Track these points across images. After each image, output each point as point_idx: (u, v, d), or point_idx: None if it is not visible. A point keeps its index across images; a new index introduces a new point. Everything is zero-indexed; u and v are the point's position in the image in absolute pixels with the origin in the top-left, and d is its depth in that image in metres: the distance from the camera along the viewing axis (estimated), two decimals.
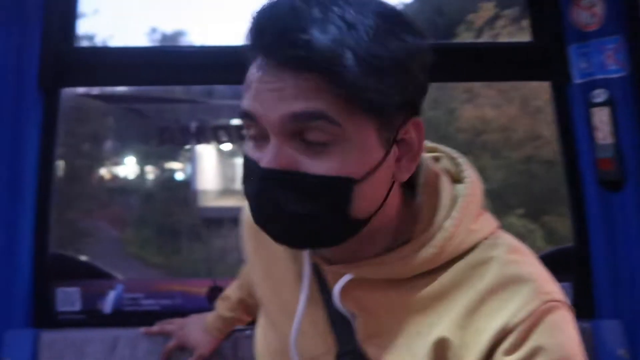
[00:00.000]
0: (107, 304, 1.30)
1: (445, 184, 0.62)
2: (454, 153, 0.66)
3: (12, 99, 1.17)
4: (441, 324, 0.58)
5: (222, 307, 1.13)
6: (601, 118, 1.09)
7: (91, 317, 1.29)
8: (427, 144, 0.68)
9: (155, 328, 1.22)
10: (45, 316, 1.26)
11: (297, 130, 0.52)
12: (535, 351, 0.53)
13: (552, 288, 0.57)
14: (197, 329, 1.17)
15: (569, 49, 1.18)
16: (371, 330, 0.62)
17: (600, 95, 1.11)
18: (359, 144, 0.52)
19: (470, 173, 0.63)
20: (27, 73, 1.16)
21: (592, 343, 1.19)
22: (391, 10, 0.53)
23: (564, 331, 0.55)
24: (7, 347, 1.21)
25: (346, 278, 0.60)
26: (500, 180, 5.76)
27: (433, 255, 0.58)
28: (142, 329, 1.22)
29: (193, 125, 1.19)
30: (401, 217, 0.61)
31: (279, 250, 0.69)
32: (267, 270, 0.73)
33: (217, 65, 1.07)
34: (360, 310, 0.62)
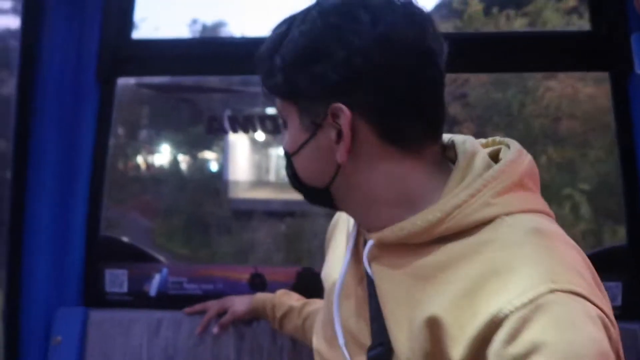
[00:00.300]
0: (152, 287, 1.35)
1: (478, 162, 0.61)
2: (511, 141, 0.66)
3: (71, 89, 1.24)
4: (439, 298, 0.55)
5: (279, 294, 1.16)
6: None
7: (137, 299, 1.34)
8: (498, 139, 0.67)
9: (198, 306, 1.26)
10: (94, 296, 1.32)
11: None
12: (534, 347, 0.47)
13: (570, 278, 0.51)
14: (240, 297, 1.23)
15: (631, 38, 1.14)
16: (384, 295, 0.62)
17: None
18: (291, 126, 0.64)
19: (512, 154, 0.61)
20: (85, 64, 1.23)
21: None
22: (334, 8, 0.60)
23: (572, 326, 0.48)
24: (59, 324, 1.28)
25: (370, 243, 0.64)
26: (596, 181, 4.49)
27: (438, 219, 0.57)
28: (185, 309, 1.26)
29: (240, 114, 1.23)
30: (424, 193, 0.61)
31: (342, 237, 0.76)
32: (330, 259, 0.81)
33: None
34: (379, 274, 0.63)
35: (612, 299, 1.11)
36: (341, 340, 0.68)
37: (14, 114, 1.19)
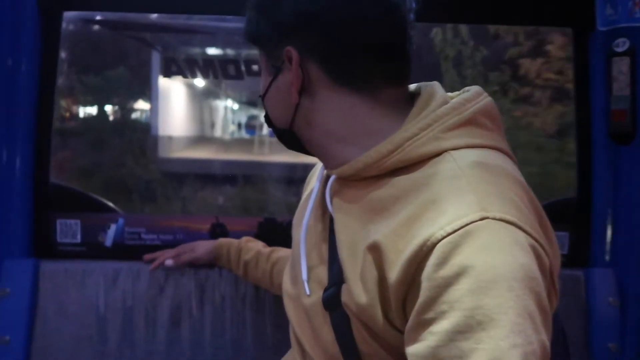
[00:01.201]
0: (108, 237, 1.30)
1: (434, 101, 0.63)
2: (474, 87, 0.67)
3: (11, 21, 1.12)
4: (383, 227, 0.58)
5: (245, 240, 1.15)
6: (620, 68, 1.07)
7: (91, 250, 1.29)
8: (466, 88, 0.68)
9: (158, 253, 1.23)
10: (45, 247, 1.26)
11: None
12: (462, 270, 0.49)
13: (503, 207, 0.53)
14: (201, 241, 1.21)
15: None
16: (340, 229, 0.64)
17: (622, 44, 1.08)
18: (262, 70, 0.70)
19: (467, 94, 0.64)
20: None
21: (584, 291, 1.23)
22: None
23: (499, 251, 0.50)
24: (7, 276, 1.22)
25: (332, 178, 0.68)
26: None
27: (388, 151, 0.60)
28: (144, 256, 1.22)
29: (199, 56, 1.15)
30: (380, 130, 0.63)
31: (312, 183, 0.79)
32: (301, 205, 0.83)
33: None
34: (337, 209, 0.66)
35: (560, 247, 1.17)
36: (304, 275, 0.70)
37: None
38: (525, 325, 0.48)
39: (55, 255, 1.27)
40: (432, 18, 1.20)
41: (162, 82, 1.46)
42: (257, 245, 1.13)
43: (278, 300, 1.23)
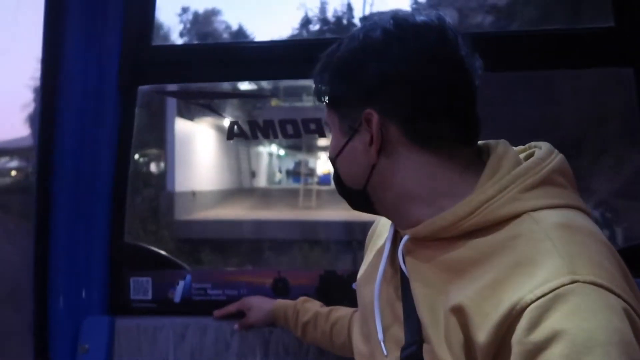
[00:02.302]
0: (177, 294, 1.35)
1: (508, 161, 0.64)
2: (544, 143, 0.68)
3: (93, 98, 1.24)
4: (466, 289, 0.57)
5: (301, 301, 1.16)
6: None
7: (161, 306, 1.34)
8: (533, 144, 0.70)
9: (225, 309, 1.26)
10: (120, 304, 1.33)
11: None
12: (555, 334, 0.48)
13: (592, 269, 0.52)
14: (259, 301, 1.23)
15: None
16: (418, 289, 0.65)
17: None
18: (333, 132, 0.72)
19: (541, 153, 0.65)
20: (107, 73, 1.23)
21: None
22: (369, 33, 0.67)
23: (593, 315, 0.49)
24: (86, 333, 1.28)
25: (405, 238, 0.68)
26: None
27: (466, 213, 0.60)
28: (214, 312, 1.26)
29: (261, 119, 1.23)
30: (455, 190, 0.64)
31: (381, 237, 0.80)
32: (367, 262, 0.84)
33: (290, 59, 1.11)
34: (413, 269, 0.66)
35: None
36: (380, 336, 0.70)
37: (37, 124, 1.20)
38: None
39: (129, 312, 1.33)
40: (491, 68, 1.20)
41: (183, 126, 1.46)
42: (315, 306, 1.13)
43: (341, 356, 1.23)
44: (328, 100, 0.71)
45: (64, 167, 1.25)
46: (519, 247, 0.56)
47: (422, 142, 0.65)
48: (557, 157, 0.64)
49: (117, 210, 1.32)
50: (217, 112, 1.25)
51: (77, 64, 1.21)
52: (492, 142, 0.69)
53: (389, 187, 0.68)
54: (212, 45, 1.21)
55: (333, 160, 0.73)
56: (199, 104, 1.25)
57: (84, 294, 1.30)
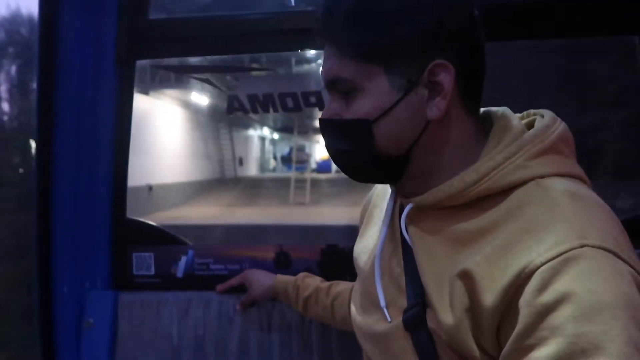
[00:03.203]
0: (179, 269, 1.36)
1: (513, 128, 0.63)
2: (545, 111, 0.67)
3: (91, 73, 1.24)
4: (473, 256, 0.57)
5: (302, 276, 1.17)
6: None
7: (164, 281, 1.35)
8: (532, 111, 0.69)
9: (227, 283, 1.27)
10: (123, 279, 1.34)
11: (335, 89, 0.65)
12: (564, 296, 0.49)
13: (601, 235, 0.52)
14: (260, 276, 1.23)
15: None
16: (422, 258, 0.64)
17: None
18: (371, 90, 0.62)
19: (545, 120, 0.64)
20: (104, 47, 1.22)
21: None
22: None
23: (602, 278, 0.49)
24: (90, 307, 1.30)
25: (409, 207, 0.66)
26: None
27: (474, 181, 0.60)
28: (217, 287, 1.27)
29: (260, 93, 1.22)
30: (469, 157, 0.63)
31: (378, 207, 0.80)
32: (365, 232, 0.83)
33: (289, 31, 1.09)
34: (417, 238, 0.66)
35: None
36: (382, 302, 0.70)
37: (36, 102, 1.19)
38: (632, 356, 0.46)
39: (132, 287, 1.34)
40: (499, 36, 1.18)
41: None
42: (315, 281, 1.14)
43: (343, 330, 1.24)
44: (368, 51, 0.61)
45: (64, 144, 1.25)
46: (528, 213, 0.56)
47: (468, 100, 0.63)
48: (561, 125, 0.64)
49: (119, 186, 1.32)
50: (217, 86, 1.23)
51: (74, 39, 1.20)
52: (493, 109, 0.68)
53: (436, 150, 0.64)
54: (211, 18, 1.19)
55: (370, 123, 0.63)
56: (198, 79, 1.23)
57: (87, 269, 1.31)
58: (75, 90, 1.22)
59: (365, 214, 0.87)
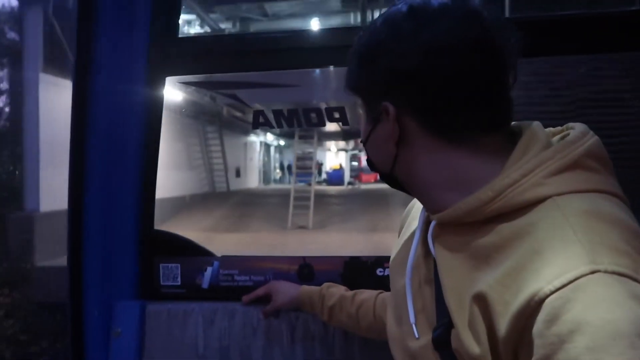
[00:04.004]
0: (205, 279, 1.38)
1: (536, 144, 0.62)
2: (579, 124, 0.66)
3: (123, 89, 1.28)
4: (488, 276, 0.57)
5: (326, 286, 1.19)
6: None
7: (190, 291, 1.37)
8: (570, 124, 0.67)
9: (253, 294, 1.30)
10: (150, 289, 1.37)
11: None
12: (577, 326, 0.47)
13: (614, 258, 0.50)
14: (285, 287, 1.25)
15: None
16: (445, 275, 0.64)
17: None
18: (363, 118, 0.72)
19: (572, 136, 0.62)
20: (136, 66, 1.26)
21: None
22: (391, 14, 0.67)
23: (616, 305, 0.47)
24: (118, 317, 1.33)
25: (433, 223, 0.68)
26: None
27: (489, 198, 0.59)
28: (243, 297, 1.29)
29: (285, 109, 1.25)
30: (475, 177, 0.63)
31: (415, 220, 0.80)
32: (400, 241, 0.85)
33: (317, 49, 1.12)
34: (440, 254, 0.66)
35: None
36: (412, 319, 0.71)
37: (70, 119, 1.23)
38: None
39: (159, 297, 1.37)
40: (537, 52, 1.16)
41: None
42: (339, 290, 1.16)
43: (366, 339, 1.26)
44: (352, 89, 0.72)
45: (95, 158, 1.28)
46: (539, 233, 0.55)
47: (440, 133, 0.64)
48: (591, 140, 0.61)
49: (146, 198, 1.35)
50: (244, 103, 1.27)
51: (108, 57, 1.25)
52: (524, 123, 0.66)
53: (412, 175, 0.68)
54: (238, 36, 1.23)
55: (364, 144, 0.74)
56: (221, 94, 1.27)
57: (116, 280, 1.34)
58: (108, 105, 1.26)
59: (404, 224, 0.88)
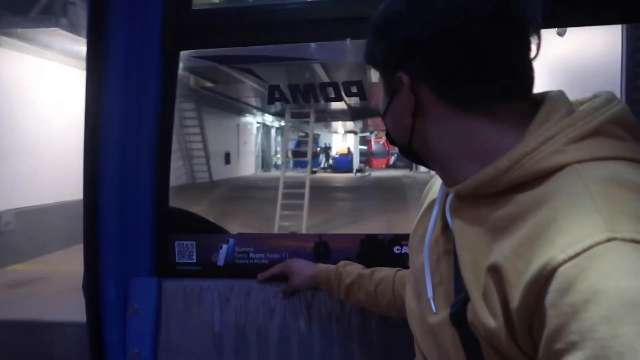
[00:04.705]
0: (220, 257, 1.38)
1: (558, 111, 0.60)
2: (606, 91, 0.63)
3: (137, 62, 1.25)
4: (504, 247, 0.55)
5: (343, 264, 1.18)
6: None
7: (205, 269, 1.37)
8: (599, 92, 0.65)
9: (268, 272, 1.29)
10: (166, 267, 1.37)
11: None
12: (592, 295, 0.45)
13: (634, 227, 0.48)
14: (301, 265, 1.25)
15: None
16: (462, 248, 0.63)
17: None
18: (380, 90, 0.72)
19: (597, 102, 0.60)
20: (150, 38, 1.24)
21: None
22: None
23: (635, 275, 0.45)
24: (135, 294, 1.33)
25: (451, 195, 0.68)
26: None
27: (506, 167, 0.58)
28: (258, 276, 1.29)
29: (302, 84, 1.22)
30: (493, 147, 0.62)
31: (431, 198, 0.82)
32: (420, 215, 0.84)
33: (332, 20, 1.08)
34: (458, 228, 0.65)
35: None
36: (430, 293, 0.70)
37: (85, 95, 1.22)
38: None
39: (175, 275, 1.37)
40: (564, 22, 1.11)
41: None
42: (356, 268, 1.15)
43: (384, 318, 1.24)
44: (370, 62, 0.72)
45: (110, 135, 1.27)
46: (556, 201, 0.53)
47: (455, 102, 0.64)
48: (617, 107, 0.59)
49: (161, 175, 1.34)
50: (260, 77, 1.24)
51: (120, 31, 1.22)
52: (548, 92, 0.65)
53: (430, 146, 0.68)
54: (253, 7, 1.19)
55: (382, 118, 0.74)
56: (237, 68, 1.24)
57: (132, 257, 1.34)
58: (122, 80, 1.24)
59: (425, 199, 0.88)
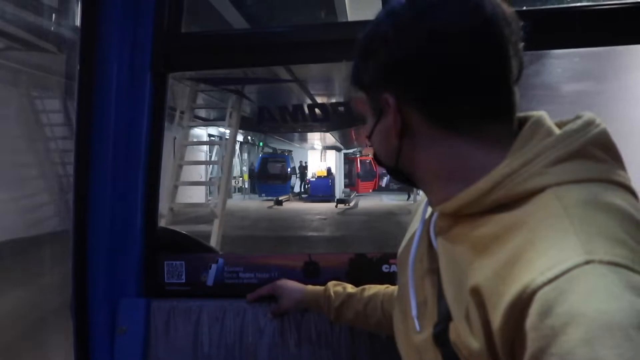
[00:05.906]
0: (209, 277, 1.38)
1: (539, 133, 0.61)
2: (586, 113, 0.64)
3: (127, 84, 1.27)
4: (485, 268, 0.56)
5: (332, 285, 1.18)
6: None
7: (195, 289, 1.37)
8: (580, 114, 0.65)
9: (256, 293, 1.29)
10: (155, 287, 1.36)
11: None
12: (570, 319, 0.46)
13: (610, 249, 0.49)
14: (290, 288, 1.25)
15: None
16: (445, 268, 0.64)
17: None
18: (367, 113, 0.72)
19: (576, 124, 0.60)
20: (140, 61, 1.26)
21: None
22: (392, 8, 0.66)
23: (612, 296, 0.46)
24: (123, 314, 1.32)
25: (435, 215, 0.70)
26: None
27: (488, 187, 0.59)
28: (248, 296, 1.28)
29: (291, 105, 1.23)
30: (478, 168, 0.63)
31: (416, 220, 0.81)
32: (407, 234, 0.84)
33: (320, 43, 1.10)
34: (442, 247, 0.66)
35: None
36: (414, 312, 0.71)
37: (75, 115, 1.23)
38: None
39: (164, 295, 1.36)
40: (538, 45, 1.15)
41: None
42: (346, 289, 1.15)
43: (373, 337, 1.24)
44: (355, 82, 0.72)
45: (100, 156, 1.28)
46: (535, 223, 0.54)
47: (441, 123, 0.64)
48: (596, 129, 0.60)
49: (151, 195, 1.35)
50: (248, 98, 1.25)
51: (111, 53, 1.24)
52: (530, 114, 0.66)
53: (416, 166, 0.69)
54: (241, 32, 1.22)
55: (369, 139, 0.74)
56: (226, 90, 1.26)
57: (120, 277, 1.33)
58: (111, 102, 1.26)
59: (413, 216, 0.88)
